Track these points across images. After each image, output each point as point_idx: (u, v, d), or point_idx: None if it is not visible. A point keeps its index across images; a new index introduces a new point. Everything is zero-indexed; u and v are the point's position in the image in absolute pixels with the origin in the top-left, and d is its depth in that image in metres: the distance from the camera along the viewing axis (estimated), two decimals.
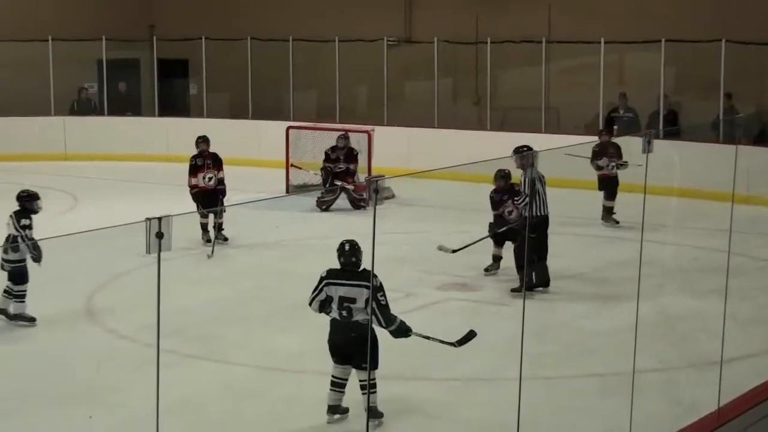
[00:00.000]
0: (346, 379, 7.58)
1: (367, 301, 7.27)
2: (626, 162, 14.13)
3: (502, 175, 11.71)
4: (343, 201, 16.36)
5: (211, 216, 13.46)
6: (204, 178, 13.91)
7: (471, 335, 7.93)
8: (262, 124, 20.67)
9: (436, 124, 20.52)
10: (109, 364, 9.19)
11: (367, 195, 15.71)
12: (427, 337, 7.79)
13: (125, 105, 23.27)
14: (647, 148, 7.10)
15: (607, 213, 14.69)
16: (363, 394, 7.41)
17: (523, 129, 19.04)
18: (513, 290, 11.07)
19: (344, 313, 7.37)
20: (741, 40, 17.73)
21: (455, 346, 7.89)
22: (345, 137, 16.63)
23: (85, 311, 10.96)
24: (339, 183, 16.17)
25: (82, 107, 23.21)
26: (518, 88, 20.94)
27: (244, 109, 22.42)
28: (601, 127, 18.48)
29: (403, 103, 21.81)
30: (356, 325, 7.36)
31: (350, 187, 16.14)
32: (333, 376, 7.60)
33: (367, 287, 7.24)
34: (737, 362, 8.40)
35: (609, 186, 14.74)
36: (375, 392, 7.48)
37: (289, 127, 18.67)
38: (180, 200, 13.86)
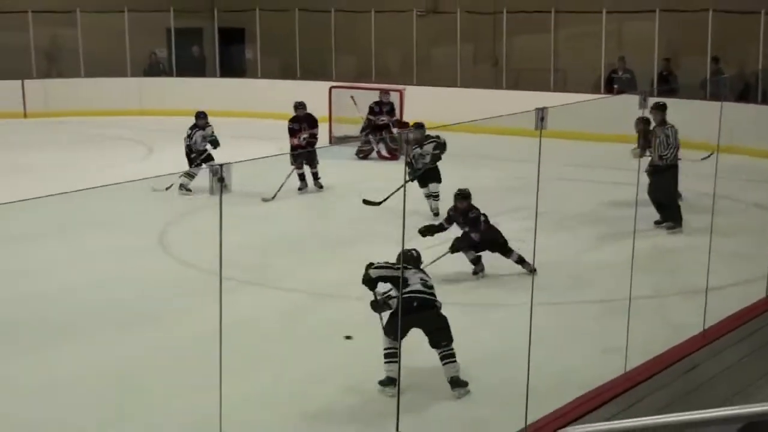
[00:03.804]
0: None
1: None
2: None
3: (464, 196, 9.65)
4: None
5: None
6: (300, 138, 13.95)
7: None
8: (308, 84, 20.56)
9: (459, 84, 20.40)
10: (179, 289, 9.26)
11: (400, 145, 15.69)
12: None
13: (191, 68, 23.23)
14: (643, 105, 7.03)
15: None
16: (444, 364, 6.78)
17: (534, 88, 18.92)
18: (667, 228, 11.09)
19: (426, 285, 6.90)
20: (726, 10, 17.48)
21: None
22: (387, 93, 16.62)
23: (158, 244, 11.03)
24: (370, 137, 16.17)
25: (153, 70, 23.23)
26: (530, 53, 20.73)
27: (292, 71, 22.37)
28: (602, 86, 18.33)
29: (430, 65, 21.66)
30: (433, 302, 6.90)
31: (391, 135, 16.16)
32: (390, 348, 6.76)
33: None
34: (720, 290, 8.36)
35: None
36: (455, 361, 6.80)
37: (331, 87, 18.61)
38: (238, 149, 13.82)
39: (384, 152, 16.30)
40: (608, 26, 19.18)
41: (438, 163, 12.09)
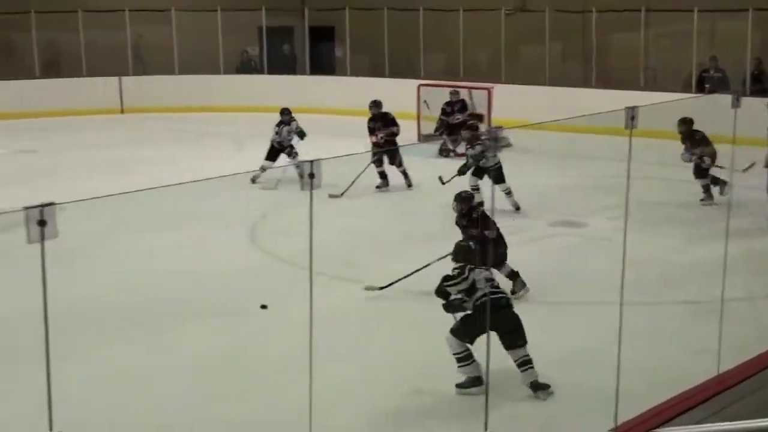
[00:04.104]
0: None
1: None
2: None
3: (463, 198, 8.92)
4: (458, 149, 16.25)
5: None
6: (378, 137, 14.05)
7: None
8: (397, 82, 20.57)
9: (547, 82, 20.19)
10: (269, 282, 9.32)
11: (489, 143, 15.57)
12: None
13: (282, 65, 23.44)
14: (735, 104, 6.86)
15: None
16: (523, 371, 6.66)
17: (624, 87, 18.62)
18: None
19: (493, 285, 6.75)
20: None
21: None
22: (456, 92, 16.57)
23: (249, 237, 11.13)
24: (445, 138, 16.09)
25: (245, 67, 23.51)
26: (620, 51, 20.45)
27: (381, 69, 22.39)
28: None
29: (518, 63, 21.49)
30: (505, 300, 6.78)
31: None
32: (464, 351, 6.68)
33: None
34: None
35: None
36: (533, 367, 6.67)
37: (419, 85, 18.59)
38: (327, 146, 13.89)
39: (461, 150, 16.14)
40: (700, 25, 18.79)
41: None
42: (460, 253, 7.01)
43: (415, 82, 18.92)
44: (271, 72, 23.18)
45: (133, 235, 10.95)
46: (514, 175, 12.28)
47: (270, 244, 10.79)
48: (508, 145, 15.44)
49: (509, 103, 17.85)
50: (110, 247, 10.65)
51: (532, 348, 6.67)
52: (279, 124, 14.20)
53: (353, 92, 20.84)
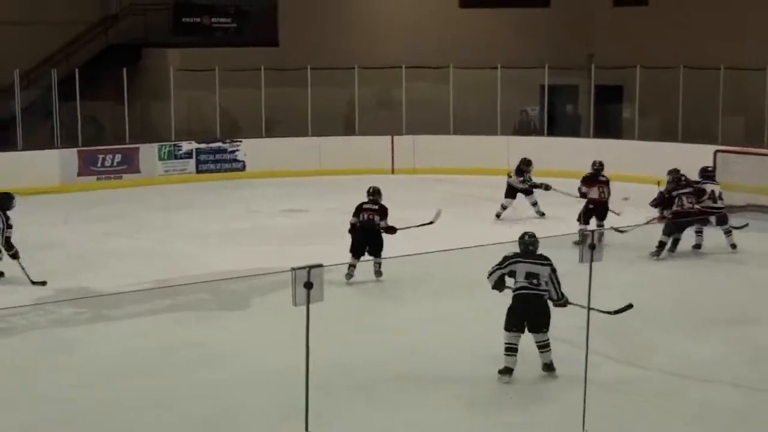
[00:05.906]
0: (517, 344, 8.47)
1: (547, 276, 8.43)
2: None
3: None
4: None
5: None
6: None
7: (628, 307, 8.85)
8: (691, 147, 20.05)
9: None
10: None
11: None
12: (583, 306, 7.78)
13: (563, 127, 23.45)
14: None
15: None
16: (541, 353, 8.48)
17: None
18: None
19: (534, 281, 8.38)
20: None
21: (611, 314, 8.70)
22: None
23: None
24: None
25: (523, 128, 23.71)
26: None
27: (674, 132, 21.91)
28: None
29: None
30: (539, 295, 8.40)
31: None
32: (509, 343, 8.43)
33: (548, 265, 8.43)
34: None
35: None
36: (550, 350, 8.48)
37: (716, 151, 18.09)
38: (610, 215, 13.84)
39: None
40: None
41: None
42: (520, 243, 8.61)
43: (712, 148, 18.44)
44: (551, 133, 23.25)
45: (398, 300, 11.22)
46: None
47: None
48: None
49: None
50: (377, 312, 10.96)
51: None
52: (516, 171, 16.86)
53: (641, 157, 20.51)
